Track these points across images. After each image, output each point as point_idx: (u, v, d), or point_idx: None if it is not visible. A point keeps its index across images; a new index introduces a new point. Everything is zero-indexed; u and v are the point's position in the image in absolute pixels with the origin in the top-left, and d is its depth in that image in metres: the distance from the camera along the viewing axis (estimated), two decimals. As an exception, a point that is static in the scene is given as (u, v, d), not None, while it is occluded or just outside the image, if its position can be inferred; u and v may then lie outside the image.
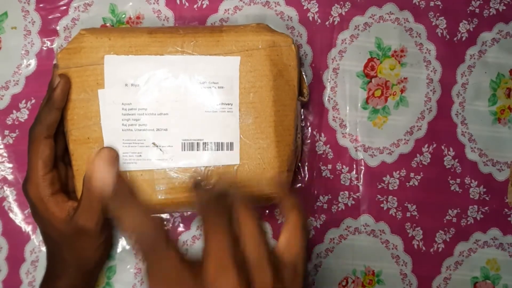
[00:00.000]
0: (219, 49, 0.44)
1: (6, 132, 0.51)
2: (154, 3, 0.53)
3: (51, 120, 0.42)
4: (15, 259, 0.50)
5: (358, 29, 0.54)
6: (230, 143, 0.44)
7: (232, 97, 0.44)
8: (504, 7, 0.56)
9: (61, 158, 0.45)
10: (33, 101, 0.51)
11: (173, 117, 0.44)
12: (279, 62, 0.45)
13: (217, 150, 0.44)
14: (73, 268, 0.43)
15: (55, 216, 0.41)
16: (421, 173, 0.55)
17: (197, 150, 0.44)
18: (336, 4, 0.54)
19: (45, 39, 0.52)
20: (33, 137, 0.42)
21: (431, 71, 0.55)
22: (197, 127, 0.44)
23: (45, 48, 0.52)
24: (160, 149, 0.43)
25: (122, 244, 0.52)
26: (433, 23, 0.55)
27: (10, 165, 0.51)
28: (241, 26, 0.45)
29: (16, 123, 0.51)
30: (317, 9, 0.54)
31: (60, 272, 0.43)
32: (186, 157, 0.44)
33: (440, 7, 0.55)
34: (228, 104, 0.44)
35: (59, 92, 0.42)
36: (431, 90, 0.55)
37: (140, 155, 0.43)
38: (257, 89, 0.44)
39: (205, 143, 0.44)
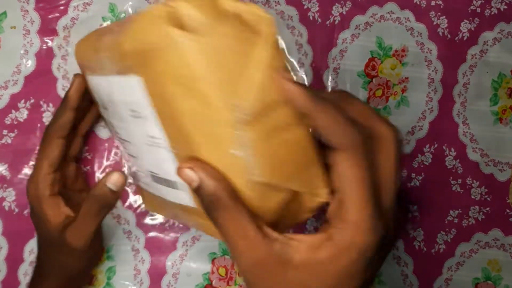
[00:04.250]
0: (119, 63, 0.30)
1: (5, 132, 0.51)
2: (154, 3, 0.52)
3: (64, 120, 0.42)
4: (14, 259, 0.50)
5: (359, 29, 0.54)
6: (174, 181, 0.33)
7: (153, 127, 0.31)
8: (506, 7, 0.56)
9: (74, 159, 0.46)
10: (32, 100, 0.51)
11: (133, 145, 0.36)
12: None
13: (173, 188, 0.34)
14: (57, 272, 0.43)
15: (48, 218, 0.41)
16: (422, 174, 0.55)
17: (166, 185, 0.34)
18: (336, 4, 0.54)
19: (45, 38, 0.51)
20: (46, 136, 0.43)
21: (432, 70, 0.55)
22: (150, 160, 0.35)
23: (44, 48, 0.51)
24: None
25: (122, 244, 0.52)
26: (434, 23, 0.55)
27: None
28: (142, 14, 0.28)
29: (15, 123, 0.51)
30: (317, 9, 0.54)
31: (46, 273, 0.44)
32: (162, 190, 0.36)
33: (441, 7, 0.55)
34: (152, 137, 0.32)
35: (73, 92, 0.42)
36: (432, 90, 0.55)
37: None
38: None
39: (166, 179, 0.34)
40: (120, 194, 0.38)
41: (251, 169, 0.27)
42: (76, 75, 0.43)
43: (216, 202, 0.26)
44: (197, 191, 0.27)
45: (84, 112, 0.47)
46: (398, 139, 0.28)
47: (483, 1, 0.56)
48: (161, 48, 0.26)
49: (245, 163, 0.27)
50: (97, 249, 0.48)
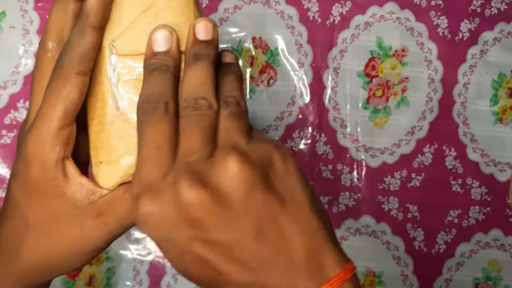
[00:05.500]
0: None
1: (4, 131, 0.51)
2: None
3: (86, 46, 0.27)
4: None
5: (359, 29, 0.54)
6: None
7: None
8: (506, 7, 0.56)
9: None
10: (31, 100, 0.51)
11: None
12: None
13: None
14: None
15: (61, 192, 0.28)
16: (423, 174, 0.55)
17: None
18: (336, 3, 0.54)
19: (44, 38, 0.51)
20: (59, 70, 0.27)
21: (433, 70, 0.55)
22: None
23: (43, 48, 0.51)
24: None
25: (122, 245, 0.52)
26: (434, 23, 0.55)
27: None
28: None
29: (14, 122, 0.51)
30: (317, 8, 0.54)
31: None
32: None
33: (441, 6, 0.55)
34: None
35: (93, 2, 0.27)
36: (432, 90, 0.55)
37: None
38: None
39: None
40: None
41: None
42: None
43: None
44: None
45: None
46: None
47: (483, 1, 0.56)
48: None
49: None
50: None
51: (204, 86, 0.25)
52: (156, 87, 0.25)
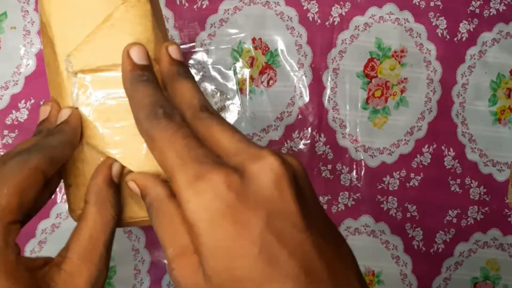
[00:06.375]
0: None
1: (5, 132, 0.51)
2: None
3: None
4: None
5: (358, 29, 0.54)
6: None
7: None
8: (505, 7, 0.56)
9: None
10: (33, 101, 0.51)
11: None
12: None
13: None
14: None
15: None
16: (421, 174, 0.55)
17: None
18: (336, 4, 0.54)
19: (45, 39, 0.52)
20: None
21: (431, 71, 0.55)
22: None
23: (44, 48, 0.52)
24: None
25: (123, 244, 0.52)
26: (433, 23, 0.55)
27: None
28: None
29: (16, 123, 0.51)
30: (317, 9, 0.54)
31: None
32: None
33: (440, 7, 0.55)
34: None
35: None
36: (431, 91, 0.55)
37: None
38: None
39: None
40: None
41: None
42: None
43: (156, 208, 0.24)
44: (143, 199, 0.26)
45: None
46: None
47: (482, 2, 0.56)
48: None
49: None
50: None
51: (202, 95, 0.26)
52: (155, 95, 0.25)
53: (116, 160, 0.27)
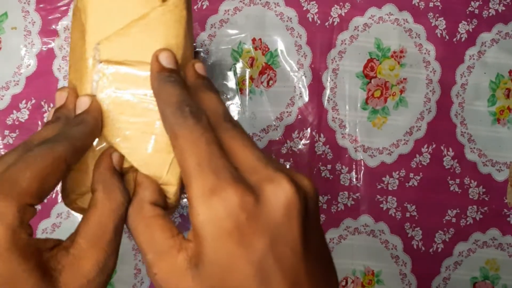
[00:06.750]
0: None
1: (6, 132, 0.51)
2: None
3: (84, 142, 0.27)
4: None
5: (358, 30, 0.55)
6: None
7: None
8: (504, 8, 0.56)
9: None
10: (33, 101, 0.51)
11: None
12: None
13: None
14: None
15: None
16: (421, 174, 0.55)
17: None
18: (335, 5, 0.54)
19: (46, 39, 0.52)
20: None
21: (431, 71, 0.55)
22: None
23: (45, 49, 0.52)
24: None
25: (123, 243, 0.52)
26: (433, 24, 0.55)
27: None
28: None
29: (16, 123, 0.51)
30: (316, 10, 0.54)
31: None
32: None
33: (440, 8, 0.55)
34: None
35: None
36: (430, 91, 0.55)
37: None
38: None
39: None
40: None
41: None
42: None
43: None
44: None
45: None
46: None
47: (481, 2, 0.56)
48: None
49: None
50: None
51: (226, 107, 0.27)
52: (182, 94, 0.25)
53: (115, 150, 0.28)
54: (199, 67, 0.29)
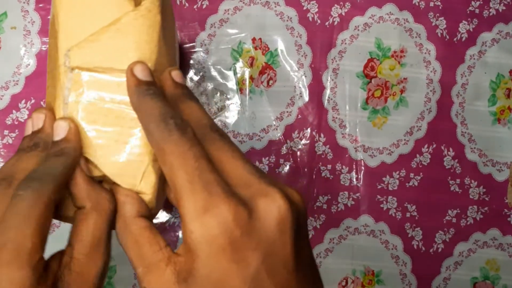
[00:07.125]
0: None
1: (6, 132, 0.51)
2: None
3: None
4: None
5: (358, 30, 0.54)
6: None
7: None
8: (504, 8, 0.56)
9: None
10: (33, 101, 0.51)
11: None
12: None
13: None
14: None
15: None
16: (421, 174, 0.55)
17: None
18: (336, 5, 0.54)
19: (45, 39, 0.52)
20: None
21: (431, 71, 0.55)
22: None
23: (44, 48, 0.52)
24: None
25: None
26: (433, 24, 0.55)
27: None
28: None
29: (16, 123, 0.51)
30: (316, 10, 0.54)
31: None
32: None
33: (440, 8, 0.55)
34: None
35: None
36: (431, 91, 0.55)
37: None
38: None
39: None
40: None
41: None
42: None
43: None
44: None
45: None
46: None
47: (481, 2, 0.56)
48: None
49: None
50: None
51: (209, 116, 0.26)
52: (163, 107, 0.25)
53: (85, 160, 0.27)
54: (176, 75, 0.28)
